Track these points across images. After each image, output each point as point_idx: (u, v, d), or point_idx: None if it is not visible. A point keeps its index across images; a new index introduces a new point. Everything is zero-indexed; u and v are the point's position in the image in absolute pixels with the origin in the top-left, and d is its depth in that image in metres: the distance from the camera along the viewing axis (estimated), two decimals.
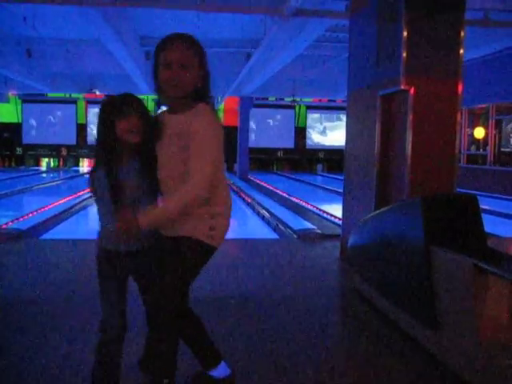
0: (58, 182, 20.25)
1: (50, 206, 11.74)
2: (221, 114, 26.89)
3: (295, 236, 7.94)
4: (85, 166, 26.15)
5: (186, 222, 2.44)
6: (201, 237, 2.46)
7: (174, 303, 2.46)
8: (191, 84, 2.41)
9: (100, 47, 12.42)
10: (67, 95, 24.35)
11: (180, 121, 2.40)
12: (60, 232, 9.00)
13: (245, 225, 11.24)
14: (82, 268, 5.37)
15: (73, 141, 25.97)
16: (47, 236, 8.48)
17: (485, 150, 17.65)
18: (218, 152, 2.41)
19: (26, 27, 11.07)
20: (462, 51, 4.94)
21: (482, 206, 3.69)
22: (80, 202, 12.36)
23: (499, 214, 10.91)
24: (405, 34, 4.83)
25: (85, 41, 13.46)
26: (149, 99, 25.34)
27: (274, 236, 9.12)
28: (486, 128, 17.62)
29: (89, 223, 10.83)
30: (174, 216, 2.39)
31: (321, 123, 28.15)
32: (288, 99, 24.57)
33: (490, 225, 3.90)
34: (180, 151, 2.38)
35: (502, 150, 17.61)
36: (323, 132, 28.20)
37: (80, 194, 13.67)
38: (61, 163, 26.48)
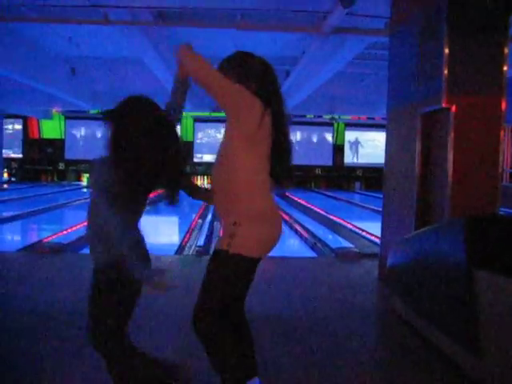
0: None
1: None
2: None
3: (333, 255, 7.86)
4: None
5: (220, 234, 2.60)
6: (220, 246, 2.50)
7: (204, 319, 2.49)
8: None
9: (141, 66, 12.65)
10: None
11: None
12: None
13: (282, 243, 11.16)
14: None
15: None
16: (87, 251, 8.56)
17: None
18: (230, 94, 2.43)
19: (71, 47, 11.38)
20: (505, 68, 4.84)
21: None
22: None
23: None
24: (446, 51, 4.76)
25: (127, 59, 13.72)
26: (187, 116, 25.67)
27: (312, 254, 9.04)
28: None
29: None
30: (189, 61, 2.45)
31: (359, 141, 27.95)
32: (326, 116, 24.52)
33: None
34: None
35: None
36: (362, 149, 27.97)
37: None
38: None
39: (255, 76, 2.50)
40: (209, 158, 25.69)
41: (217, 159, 2.56)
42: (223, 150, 2.54)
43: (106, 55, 13.49)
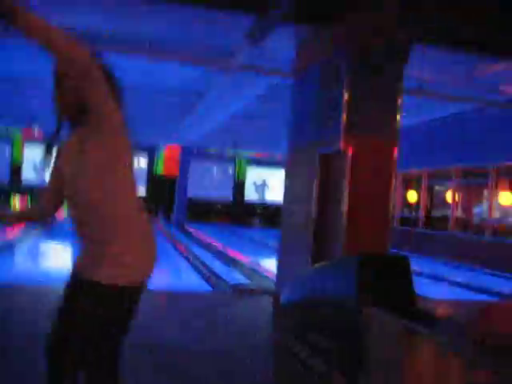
0: None
1: None
2: (160, 163, 26.80)
3: (229, 290, 7.84)
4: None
5: (92, 262, 2.11)
6: (97, 277, 2.08)
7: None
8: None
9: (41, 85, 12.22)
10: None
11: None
12: None
13: (178, 276, 11.03)
14: None
15: None
16: None
17: (417, 213, 18.25)
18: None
19: None
20: (398, 117, 5.14)
21: (414, 267, 3.76)
22: None
23: (429, 276, 11.20)
24: (345, 96, 4.99)
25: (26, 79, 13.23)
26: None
27: (208, 289, 8.98)
28: (419, 192, 18.28)
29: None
30: (40, 27, 1.81)
31: (260, 177, 28.43)
32: (229, 152, 24.82)
33: (420, 286, 3.96)
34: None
35: (433, 214, 18.26)
36: (262, 186, 28.45)
37: None
38: None
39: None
40: None
41: (81, 182, 2.14)
42: (90, 171, 2.13)
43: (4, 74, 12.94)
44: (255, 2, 5.56)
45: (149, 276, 2.24)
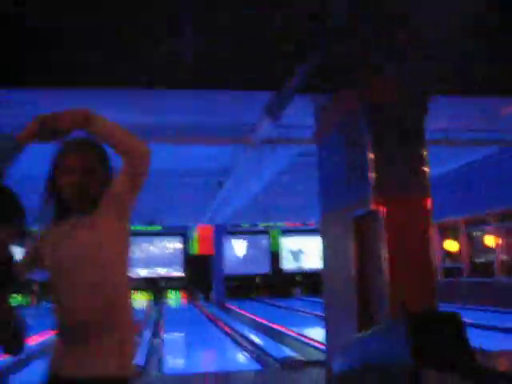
0: None
1: None
2: (195, 243, 26.92)
3: (278, 365, 7.64)
4: None
5: (93, 356, 1.99)
6: (108, 371, 1.97)
7: None
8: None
9: None
10: None
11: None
12: None
13: (224, 356, 10.83)
14: None
15: None
16: None
17: (459, 262, 17.81)
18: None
19: None
20: (427, 169, 5.11)
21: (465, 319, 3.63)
22: None
23: (482, 327, 10.77)
24: (370, 156, 5.00)
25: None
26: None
27: (256, 366, 8.76)
28: (457, 241, 17.90)
29: None
30: (116, 132, 1.99)
31: (295, 246, 28.27)
32: (262, 224, 24.87)
33: (475, 338, 3.80)
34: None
35: (477, 261, 17.79)
36: (298, 253, 28.24)
37: None
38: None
39: None
40: None
41: (86, 266, 2.07)
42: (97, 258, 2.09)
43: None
44: (269, 80, 5.71)
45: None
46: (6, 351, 1.98)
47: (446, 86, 5.76)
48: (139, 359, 9.55)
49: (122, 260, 2.11)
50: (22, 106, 5.87)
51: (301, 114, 6.82)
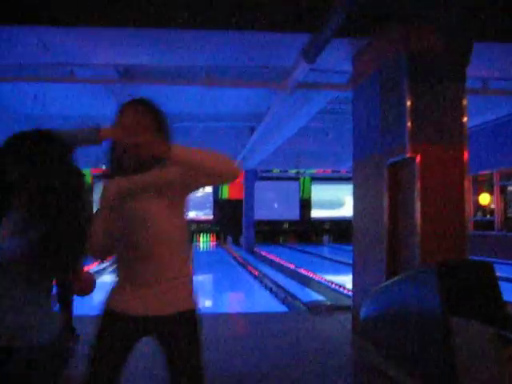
0: None
1: None
2: (225, 188, 27.11)
3: (305, 308, 7.77)
4: None
5: (180, 291, 2.24)
6: (189, 306, 2.27)
7: None
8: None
9: (109, 123, 12.62)
10: None
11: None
12: None
13: (253, 298, 11.05)
14: None
15: None
16: None
17: (492, 215, 17.61)
18: None
19: (35, 106, 11.33)
20: (465, 119, 4.99)
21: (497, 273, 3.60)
22: None
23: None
24: (408, 103, 4.89)
25: (92, 117, 13.72)
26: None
27: (283, 309, 8.93)
28: (491, 194, 17.65)
29: None
30: (205, 161, 2.11)
31: (326, 194, 28.26)
32: (292, 171, 24.82)
33: (506, 292, 3.79)
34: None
35: (509, 215, 17.56)
36: (329, 202, 28.25)
37: None
38: None
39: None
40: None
41: (160, 220, 2.24)
42: (172, 212, 2.25)
43: (73, 114, 13.49)
44: (307, 21, 5.56)
45: None
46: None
47: (486, 33, 5.56)
48: None
49: (180, 213, 2.28)
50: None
51: (337, 59, 6.67)
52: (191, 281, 2.29)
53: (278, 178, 27.24)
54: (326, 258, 19.49)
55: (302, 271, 13.94)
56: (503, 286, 3.62)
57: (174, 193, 2.22)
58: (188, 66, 7.85)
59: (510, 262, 14.65)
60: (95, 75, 7.97)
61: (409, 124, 4.86)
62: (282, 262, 16.70)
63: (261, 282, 12.51)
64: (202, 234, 27.20)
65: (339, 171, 24.37)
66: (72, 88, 9.39)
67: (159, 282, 2.19)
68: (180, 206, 2.29)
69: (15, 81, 8.26)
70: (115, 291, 2.28)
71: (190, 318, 2.23)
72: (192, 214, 26.95)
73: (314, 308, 7.44)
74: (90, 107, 11.87)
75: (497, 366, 2.79)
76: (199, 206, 27.38)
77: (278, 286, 10.77)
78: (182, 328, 2.21)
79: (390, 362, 4.21)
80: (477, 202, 18.53)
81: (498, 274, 3.60)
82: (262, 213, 26.60)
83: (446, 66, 4.95)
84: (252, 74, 8.42)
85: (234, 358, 4.95)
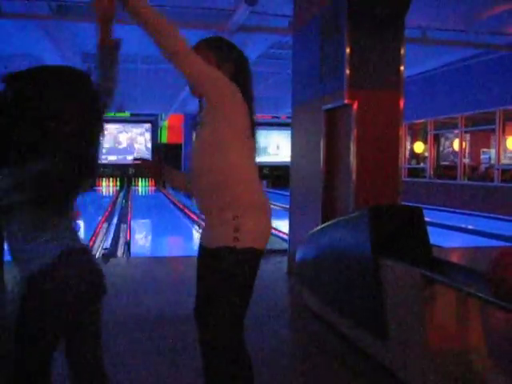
0: None
1: None
2: (164, 132, 26.72)
3: None
4: None
5: (211, 230, 2.26)
6: (223, 242, 2.19)
7: (230, 339, 2.23)
8: None
9: (38, 63, 12.12)
10: None
11: None
12: None
13: (191, 242, 11.12)
14: None
15: None
16: None
17: (424, 163, 18.19)
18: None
19: None
20: (402, 67, 5.06)
21: (426, 218, 3.75)
22: None
23: (440, 226, 11.23)
24: (347, 50, 4.91)
25: (22, 56, 13.11)
26: None
27: None
28: (425, 143, 18.18)
29: None
30: (149, 26, 2.10)
31: (264, 140, 28.31)
32: None
33: (432, 236, 3.96)
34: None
35: (442, 163, 18.20)
36: (266, 148, 28.36)
37: None
38: None
39: (234, 59, 2.34)
40: None
41: (200, 155, 2.29)
42: (209, 145, 2.26)
43: (3, 52, 12.83)
44: None
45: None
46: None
47: None
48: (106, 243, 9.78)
49: (227, 146, 2.23)
50: None
51: (278, 1, 6.60)
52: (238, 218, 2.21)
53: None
54: None
55: None
56: (431, 230, 3.78)
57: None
58: None
59: (438, 207, 15.28)
60: (26, 11, 7.58)
61: (347, 71, 4.89)
62: None
63: (199, 225, 12.58)
64: (140, 179, 26.90)
65: (278, 117, 24.43)
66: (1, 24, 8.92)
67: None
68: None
69: None
70: None
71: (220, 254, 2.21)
72: (130, 158, 26.55)
73: None
74: (23, 46, 11.31)
75: (420, 304, 2.94)
76: (138, 150, 26.98)
77: None
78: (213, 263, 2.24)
79: (322, 302, 4.37)
80: (412, 150, 19.07)
81: (427, 218, 3.75)
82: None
83: (385, 12, 4.96)
84: (193, 16, 8.23)
85: (173, 301, 5.01)
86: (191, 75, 2.17)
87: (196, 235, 11.56)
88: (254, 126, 2.39)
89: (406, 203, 5.07)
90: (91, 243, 9.49)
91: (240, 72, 2.34)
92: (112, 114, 22.34)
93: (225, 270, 2.20)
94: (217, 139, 2.23)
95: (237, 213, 2.18)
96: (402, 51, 5.06)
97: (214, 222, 2.23)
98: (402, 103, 5.07)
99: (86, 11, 8.05)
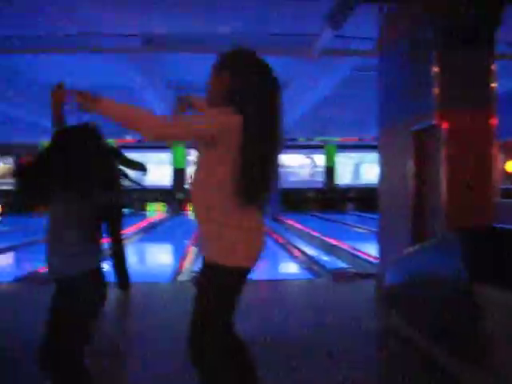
0: None
1: None
2: None
3: (329, 275, 7.82)
4: None
5: (208, 244, 2.43)
6: (215, 258, 2.39)
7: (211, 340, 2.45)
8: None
9: (131, 93, 12.69)
10: None
11: None
12: None
13: (277, 265, 11.13)
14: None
15: None
16: None
17: None
18: (203, 125, 2.32)
19: (62, 75, 11.42)
20: (493, 84, 4.89)
21: None
22: None
23: None
24: (435, 69, 4.81)
25: (116, 87, 13.78)
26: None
27: (308, 276, 8.99)
28: None
29: None
30: (120, 115, 2.29)
31: (350, 162, 28.07)
32: (317, 139, 24.66)
33: None
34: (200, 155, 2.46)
35: None
36: (353, 171, 28.07)
37: None
38: None
39: (247, 73, 2.47)
40: None
41: (197, 191, 2.43)
42: (207, 184, 2.39)
43: (97, 83, 13.57)
44: None
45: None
46: None
47: None
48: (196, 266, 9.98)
49: (215, 177, 2.36)
50: None
51: (363, 24, 6.58)
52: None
53: (303, 146, 27.05)
54: (350, 225, 19.45)
55: (327, 239, 13.96)
56: None
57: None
58: (211, 33, 7.82)
59: None
60: (119, 45, 7.99)
61: (436, 90, 4.79)
62: (306, 230, 16.72)
63: (285, 249, 12.58)
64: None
65: (364, 139, 24.17)
66: (96, 58, 9.44)
67: None
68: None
69: (38, 52, 8.33)
70: None
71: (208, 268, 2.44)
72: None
73: (338, 275, 7.48)
74: (113, 76, 11.89)
75: None
76: None
77: (303, 253, 10.82)
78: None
79: (413, 328, 4.24)
80: (503, 169, 18.26)
81: None
82: (287, 181, 26.51)
83: (474, 30, 4.84)
84: (277, 42, 8.35)
85: (258, 324, 5.03)
86: (181, 138, 2.59)
87: (283, 259, 11.57)
88: (275, 149, 2.65)
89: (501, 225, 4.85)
90: (180, 267, 9.70)
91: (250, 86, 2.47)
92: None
93: (213, 284, 2.42)
94: (214, 179, 2.37)
95: (229, 232, 2.35)
96: (493, 68, 4.90)
97: (207, 235, 2.42)
98: (493, 121, 4.89)
99: (170, 42, 8.34)
